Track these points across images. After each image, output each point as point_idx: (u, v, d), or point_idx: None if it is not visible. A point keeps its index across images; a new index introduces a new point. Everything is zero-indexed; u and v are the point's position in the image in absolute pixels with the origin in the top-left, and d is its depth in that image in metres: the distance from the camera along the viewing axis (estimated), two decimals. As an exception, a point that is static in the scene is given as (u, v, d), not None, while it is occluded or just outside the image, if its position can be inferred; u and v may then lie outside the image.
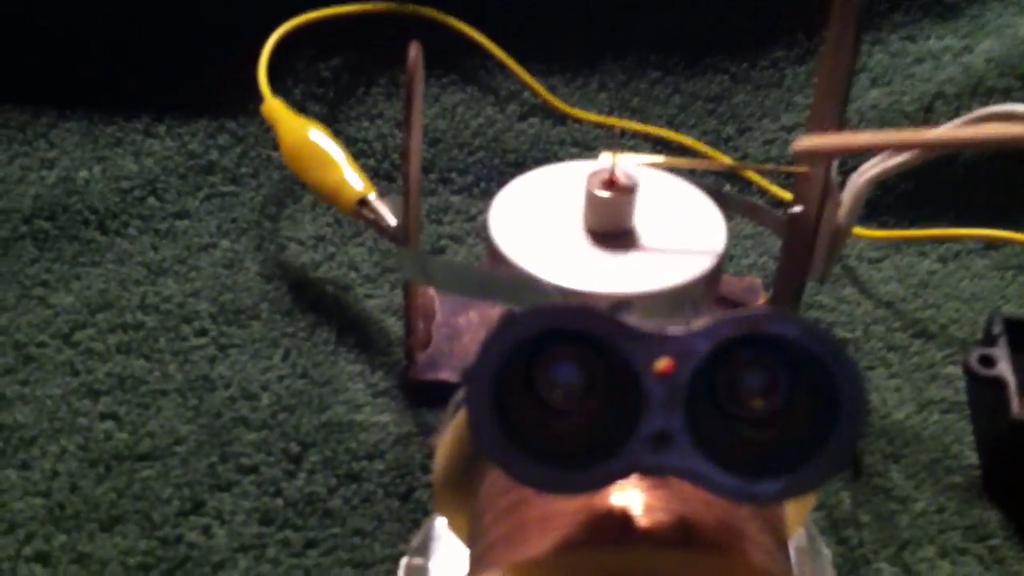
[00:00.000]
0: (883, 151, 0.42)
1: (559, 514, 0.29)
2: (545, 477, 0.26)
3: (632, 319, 0.26)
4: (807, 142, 0.37)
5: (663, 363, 0.26)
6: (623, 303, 0.29)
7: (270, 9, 0.57)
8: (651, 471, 0.26)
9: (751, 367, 0.26)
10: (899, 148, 0.41)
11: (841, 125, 0.42)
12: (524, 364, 0.27)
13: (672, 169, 0.47)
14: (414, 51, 0.41)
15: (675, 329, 0.25)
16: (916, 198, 0.57)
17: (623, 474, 0.26)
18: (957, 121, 0.44)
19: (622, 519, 0.29)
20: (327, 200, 0.50)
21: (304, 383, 0.47)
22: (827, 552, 0.38)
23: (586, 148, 0.60)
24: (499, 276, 0.42)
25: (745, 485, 0.26)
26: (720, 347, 0.26)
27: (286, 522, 0.42)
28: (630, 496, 0.29)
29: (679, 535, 0.28)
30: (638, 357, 0.25)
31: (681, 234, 0.44)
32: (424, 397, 0.47)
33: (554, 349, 0.27)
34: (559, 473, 0.26)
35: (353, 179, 0.49)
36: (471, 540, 0.32)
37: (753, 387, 0.26)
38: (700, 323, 0.25)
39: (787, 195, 0.56)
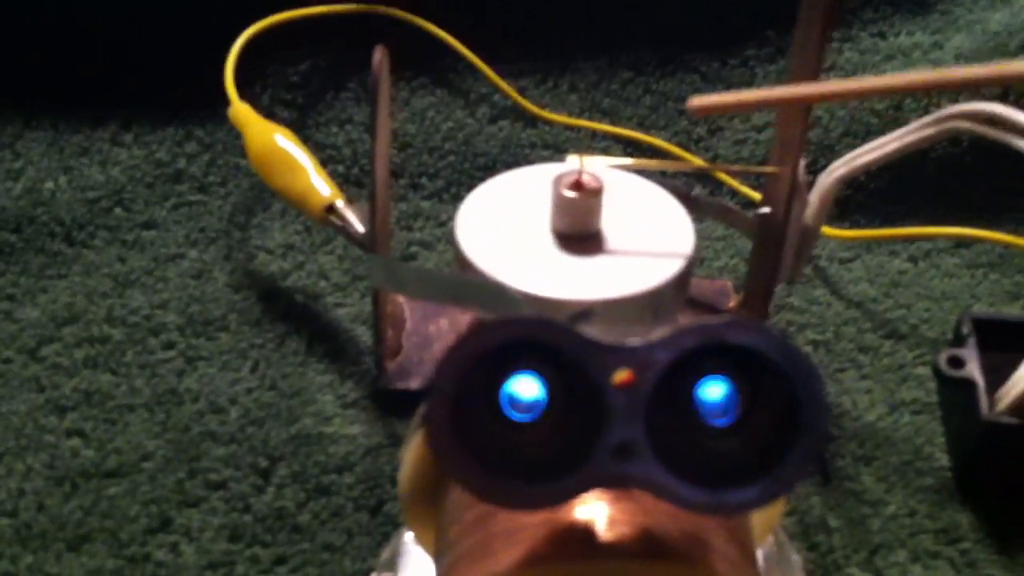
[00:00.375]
0: (777, 107, 0.41)
1: (524, 528, 0.29)
2: (505, 492, 0.26)
3: (592, 330, 0.25)
4: (698, 100, 0.37)
5: (623, 374, 0.25)
6: (585, 313, 0.29)
7: (238, 13, 0.56)
8: (613, 483, 0.26)
9: (713, 376, 0.26)
10: (791, 102, 0.40)
11: (807, 123, 0.42)
12: (485, 377, 0.26)
13: (642, 170, 0.46)
14: (379, 55, 0.40)
15: (635, 340, 0.25)
16: (887, 197, 0.57)
17: (585, 487, 0.26)
18: (925, 119, 0.44)
19: (587, 532, 0.28)
20: (295, 206, 0.49)
21: (273, 395, 0.47)
22: (797, 558, 0.38)
23: (557, 150, 0.59)
24: (468, 282, 0.42)
25: (708, 496, 0.26)
26: (681, 357, 0.25)
27: (255, 538, 0.42)
28: (595, 509, 0.29)
29: (643, 547, 0.28)
30: (598, 368, 0.25)
31: (649, 237, 0.44)
32: (395, 407, 0.47)
33: (515, 361, 0.26)
34: (520, 488, 0.26)
35: (320, 185, 0.48)
36: (437, 554, 0.32)
37: (715, 397, 0.26)
38: (660, 333, 0.25)
39: (758, 196, 0.56)
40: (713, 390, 0.26)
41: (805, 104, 0.41)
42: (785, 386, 0.25)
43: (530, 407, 0.26)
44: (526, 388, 0.26)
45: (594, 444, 0.25)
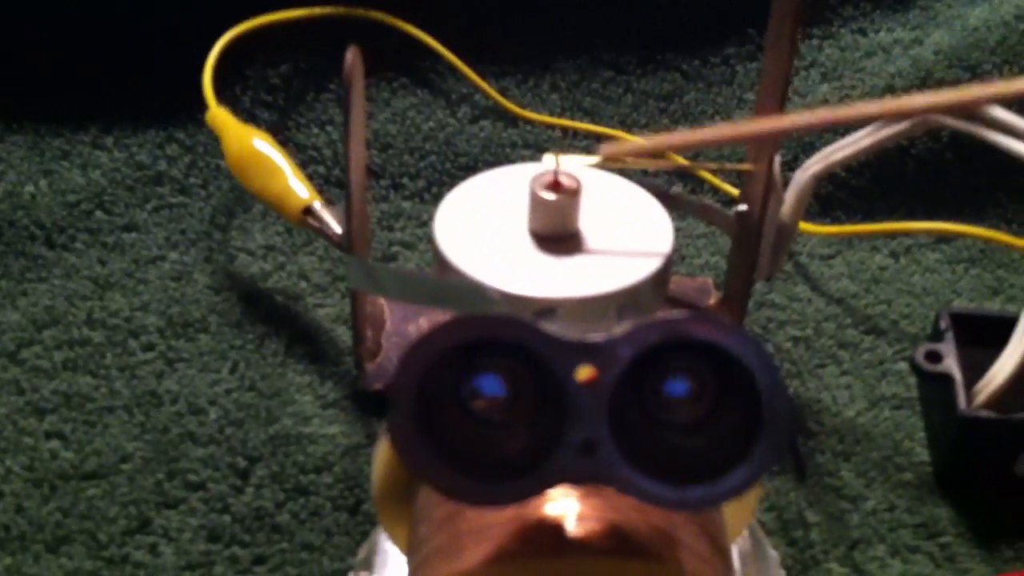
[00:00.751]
0: (690, 150, 0.42)
1: (493, 525, 0.29)
2: (470, 489, 0.26)
3: (554, 327, 0.25)
4: (608, 148, 0.41)
5: (586, 371, 0.25)
6: (548, 310, 0.29)
7: (218, 16, 0.56)
8: (578, 480, 0.26)
9: (677, 372, 0.26)
10: (691, 148, 0.41)
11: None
12: (449, 375, 0.27)
13: (621, 169, 0.46)
14: (351, 56, 0.40)
15: (597, 336, 0.25)
16: (868, 193, 0.57)
17: (549, 484, 0.26)
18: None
19: (556, 529, 0.28)
20: (273, 209, 0.49)
21: (252, 396, 0.47)
22: (774, 554, 0.38)
23: (538, 149, 0.59)
24: (445, 282, 0.42)
25: (672, 491, 0.26)
26: (644, 353, 0.25)
27: (234, 538, 0.42)
28: (564, 505, 0.29)
29: (612, 543, 0.28)
30: (561, 366, 0.25)
31: (627, 236, 0.44)
32: (374, 407, 0.47)
33: (479, 359, 0.26)
34: (485, 485, 0.26)
35: (298, 187, 0.48)
36: (409, 552, 0.32)
37: (679, 392, 0.26)
38: (622, 329, 0.25)
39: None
40: (677, 386, 0.26)
41: (773, 136, 0.41)
42: (749, 382, 0.25)
43: (495, 404, 0.26)
44: (490, 385, 0.26)
45: (558, 441, 0.25)
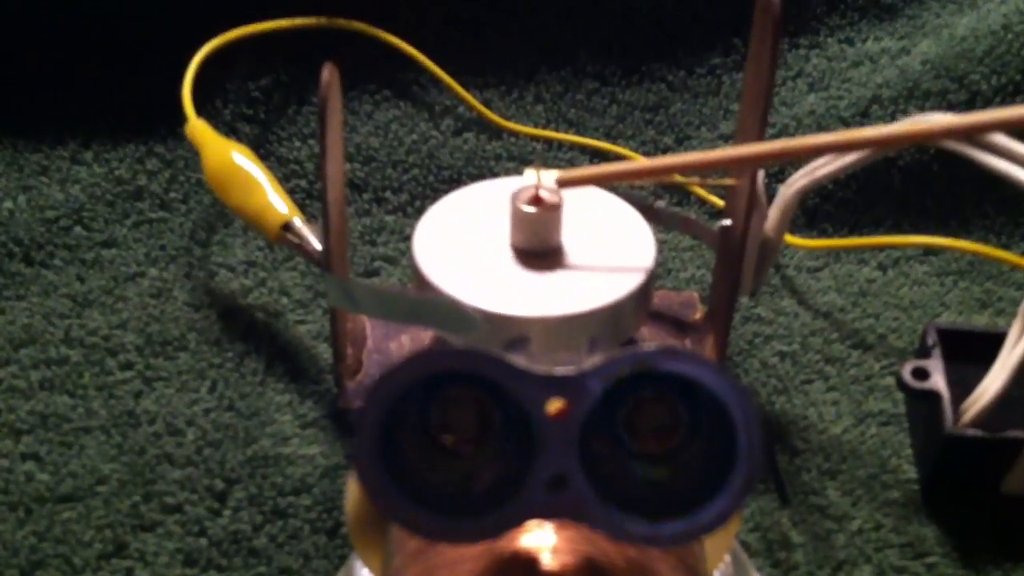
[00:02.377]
0: (637, 180, 0.43)
1: (467, 559, 0.28)
2: (436, 526, 0.25)
3: (523, 360, 0.25)
4: (564, 175, 0.42)
5: (555, 405, 0.25)
6: (520, 339, 0.29)
7: (198, 28, 0.56)
8: (548, 515, 0.25)
9: (649, 404, 0.26)
10: (644, 177, 0.42)
11: (763, 133, 0.41)
12: (416, 409, 0.26)
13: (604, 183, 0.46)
14: (327, 73, 0.40)
15: (566, 369, 0.25)
16: (855, 206, 0.56)
17: (518, 521, 0.25)
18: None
19: (529, 563, 0.28)
20: (251, 224, 0.49)
21: (231, 416, 0.46)
22: (758, 578, 0.37)
23: (522, 162, 0.59)
24: (424, 300, 0.41)
25: (645, 527, 0.25)
26: (615, 385, 0.25)
27: (210, 562, 0.41)
28: (539, 537, 0.28)
29: (587, 578, 0.27)
30: (530, 399, 0.25)
31: (609, 251, 0.44)
32: (353, 427, 0.46)
33: (447, 391, 0.26)
34: (451, 522, 0.25)
35: (277, 202, 0.48)
36: (382, 583, 0.31)
37: (651, 425, 0.26)
38: (592, 362, 0.25)
39: (726, 205, 0.55)
40: (649, 418, 0.25)
41: (756, 163, 0.41)
42: (721, 414, 0.24)
43: (463, 439, 0.26)
44: (458, 419, 0.26)
45: (527, 476, 0.25)
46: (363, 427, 0.24)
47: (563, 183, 0.43)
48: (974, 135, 0.40)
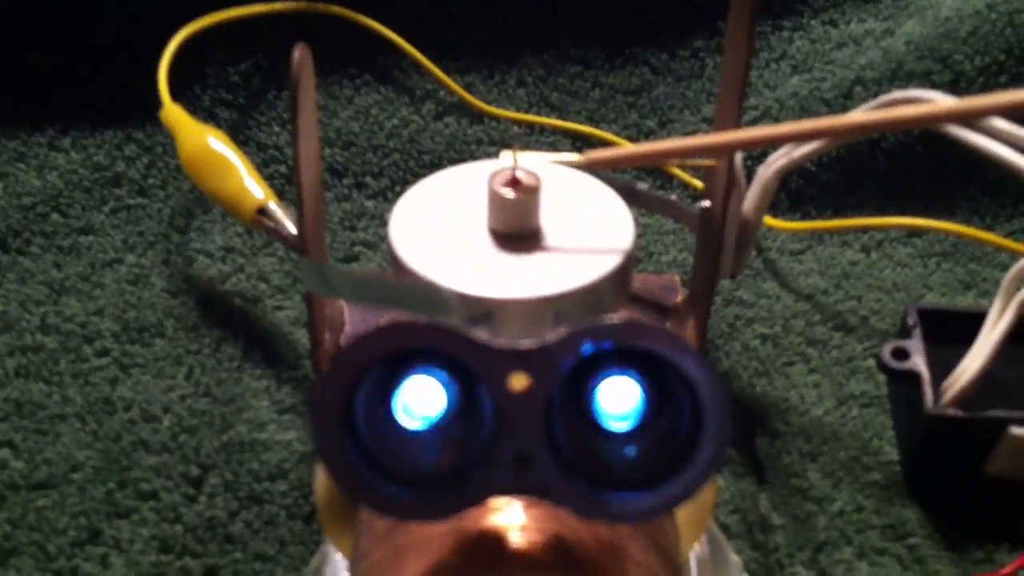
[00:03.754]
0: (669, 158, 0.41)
1: (434, 538, 0.28)
2: (400, 503, 0.25)
3: (485, 334, 0.24)
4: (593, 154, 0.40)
5: (519, 380, 0.24)
6: (485, 314, 0.28)
7: (176, 13, 0.55)
8: (512, 492, 0.25)
9: (614, 380, 0.25)
10: (675, 155, 0.41)
11: (740, 116, 0.41)
12: (378, 385, 0.26)
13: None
14: (298, 55, 0.39)
15: (529, 343, 0.24)
16: (838, 188, 0.56)
17: (482, 498, 0.25)
18: (861, 108, 0.43)
19: (497, 542, 0.27)
20: (227, 209, 0.48)
21: (207, 402, 0.46)
22: (736, 559, 0.37)
23: (504, 146, 0.58)
24: (401, 284, 0.41)
25: (611, 503, 0.25)
26: (580, 360, 0.24)
27: (185, 549, 0.41)
28: (507, 516, 0.28)
29: (555, 557, 0.27)
30: (493, 374, 0.24)
31: (587, 233, 0.43)
32: (314, 406, 0.45)
33: (409, 368, 0.25)
34: (415, 499, 0.25)
35: (253, 187, 0.47)
36: (352, 564, 0.31)
37: (618, 400, 0.25)
38: (556, 335, 0.24)
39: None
40: (616, 393, 0.25)
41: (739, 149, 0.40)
42: (688, 388, 0.24)
43: (426, 415, 0.25)
44: (421, 395, 0.25)
45: (491, 453, 0.24)
46: (323, 405, 0.24)
47: (592, 163, 0.42)
48: (971, 119, 0.39)
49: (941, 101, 0.38)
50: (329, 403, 0.24)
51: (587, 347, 0.24)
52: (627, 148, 0.41)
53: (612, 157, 0.41)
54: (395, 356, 0.24)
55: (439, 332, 0.24)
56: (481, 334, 0.24)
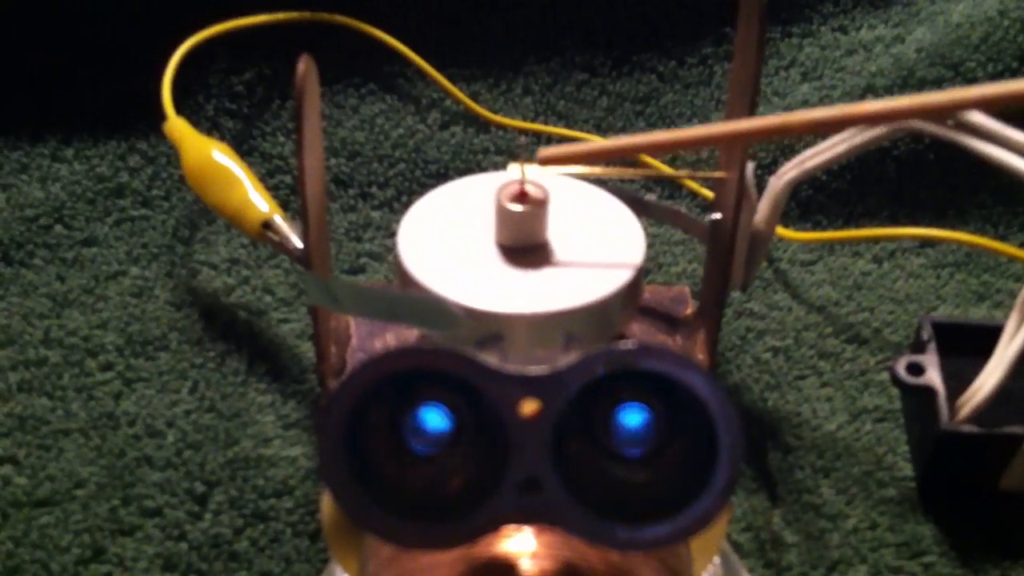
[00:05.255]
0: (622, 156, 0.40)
1: (442, 564, 0.27)
2: (406, 532, 0.24)
3: (495, 359, 0.24)
4: (546, 152, 0.38)
5: (528, 405, 0.24)
6: (494, 337, 0.28)
7: (180, 23, 0.55)
8: (521, 519, 0.25)
9: (626, 404, 0.25)
10: (629, 152, 0.39)
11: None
12: (385, 410, 0.25)
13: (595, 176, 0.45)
14: (303, 65, 0.39)
15: (539, 368, 0.24)
16: (849, 197, 0.55)
17: (490, 526, 0.24)
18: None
19: (507, 568, 0.27)
20: (232, 223, 0.48)
21: (212, 417, 0.45)
22: (748, 579, 0.36)
23: (511, 156, 0.58)
24: (406, 297, 0.40)
25: (623, 531, 0.24)
26: (590, 385, 0.24)
27: (190, 567, 0.40)
28: (516, 542, 0.27)
29: (566, 584, 0.26)
30: (502, 399, 0.24)
31: (597, 247, 0.43)
32: (318, 430, 0.45)
33: (418, 392, 0.25)
34: (421, 528, 0.24)
35: (257, 200, 0.47)
36: (359, 589, 0.30)
37: (629, 425, 0.25)
38: (567, 360, 0.24)
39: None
40: (627, 418, 0.24)
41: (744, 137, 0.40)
42: (700, 413, 0.23)
43: (435, 440, 0.25)
44: (429, 420, 0.25)
45: (500, 479, 0.24)
46: (327, 430, 0.23)
47: (544, 161, 0.41)
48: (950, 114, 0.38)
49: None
50: (334, 428, 0.23)
51: (599, 372, 0.23)
52: (582, 145, 0.40)
53: (566, 154, 0.40)
54: (403, 380, 0.24)
55: (449, 356, 0.23)
56: (491, 358, 0.23)
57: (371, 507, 0.24)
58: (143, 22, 0.60)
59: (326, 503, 0.33)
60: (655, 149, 0.38)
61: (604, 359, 0.23)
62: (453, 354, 0.23)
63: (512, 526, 0.27)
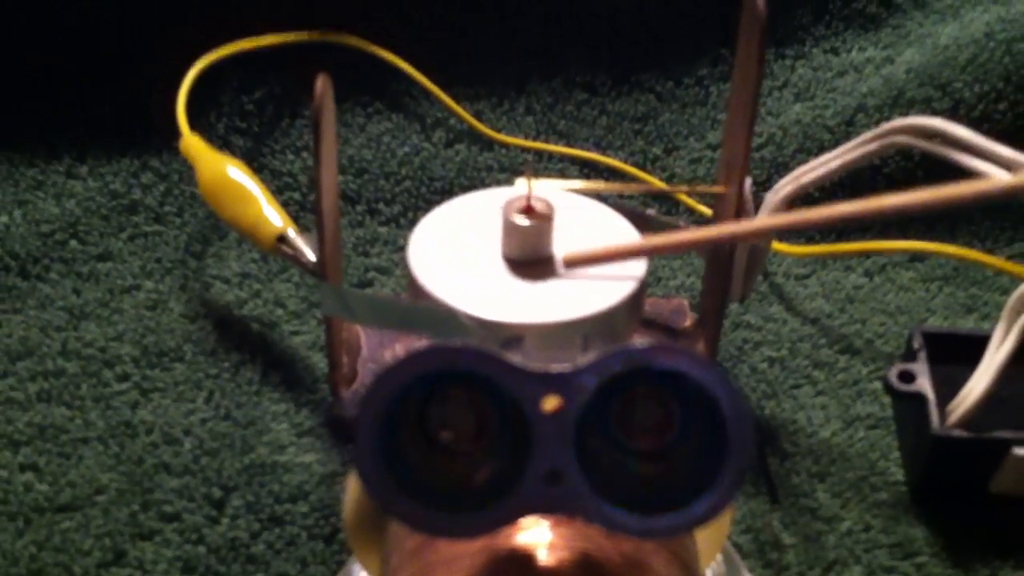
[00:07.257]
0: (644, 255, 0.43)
1: (463, 555, 0.29)
2: (435, 521, 0.26)
3: (519, 358, 0.25)
4: (570, 255, 0.42)
5: (550, 401, 0.25)
6: (515, 338, 0.29)
7: (192, 42, 0.56)
8: (544, 510, 0.26)
9: (643, 401, 0.26)
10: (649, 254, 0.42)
11: (750, 142, 0.42)
12: (415, 405, 0.27)
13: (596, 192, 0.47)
14: (321, 84, 0.40)
15: (561, 366, 0.25)
16: (841, 212, 0.57)
17: (515, 515, 0.26)
18: (867, 135, 0.44)
19: (526, 559, 0.28)
20: (246, 237, 0.49)
21: (227, 425, 0.47)
22: (750, 577, 0.38)
23: (514, 173, 0.59)
24: (418, 308, 0.42)
25: (639, 520, 0.26)
26: (609, 382, 0.25)
27: (208, 569, 0.42)
28: (535, 534, 0.29)
29: (583, 573, 0.28)
30: (525, 396, 0.25)
31: (601, 260, 0.44)
32: (350, 434, 0.46)
33: (444, 389, 0.26)
34: (450, 517, 0.26)
35: (271, 215, 0.48)
36: (381, 583, 0.32)
37: (645, 421, 0.26)
38: (587, 358, 0.25)
39: (714, 214, 0.56)
40: (643, 414, 0.26)
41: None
42: (713, 410, 0.25)
43: (460, 434, 0.26)
44: (455, 415, 0.26)
45: (524, 471, 0.25)
46: (362, 423, 0.25)
47: (570, 263, 0.43)
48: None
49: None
50: (368, 421, 0.25)
51: (617, 369, 0.25)
52: (602, 248, 0.43)
53: (588, 256, 0.43)
54: (432, 377, 0.25)
55: (476, 355, 0.25)
56: (514, 357, 0.25)
57: (402, 498, 0.25)
58: (156, 42, 0.61)
59: (348, 501, 0.34)
60: (670, 251, 0.41)
61: (622, 358, 0.25)
62: (480, 353, 0.25)
63: (530, 519, 0.28)
